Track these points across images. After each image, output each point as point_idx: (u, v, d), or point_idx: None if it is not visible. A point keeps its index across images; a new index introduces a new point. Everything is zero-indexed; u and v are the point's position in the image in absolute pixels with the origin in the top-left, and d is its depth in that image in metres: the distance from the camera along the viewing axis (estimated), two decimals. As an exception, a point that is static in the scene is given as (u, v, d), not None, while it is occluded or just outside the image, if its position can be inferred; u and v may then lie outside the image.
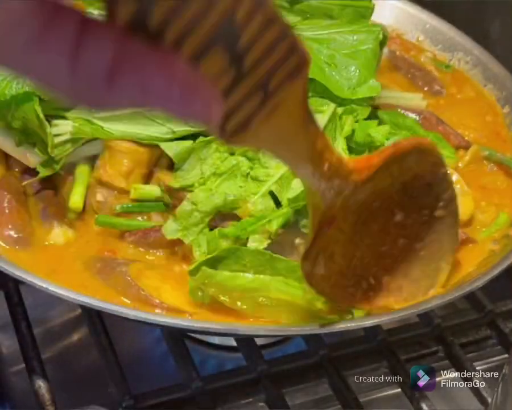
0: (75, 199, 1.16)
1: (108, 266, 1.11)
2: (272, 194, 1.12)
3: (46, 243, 1.14)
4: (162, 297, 1.07)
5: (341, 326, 1.02)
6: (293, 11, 1.36)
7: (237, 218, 1.11)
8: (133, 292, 1.07)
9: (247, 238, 1.09)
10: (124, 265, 1.11)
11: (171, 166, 1.16)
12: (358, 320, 1.04)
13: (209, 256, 1.04)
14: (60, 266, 1.11)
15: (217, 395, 1.17)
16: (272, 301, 1.03)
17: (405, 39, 1.65)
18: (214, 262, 1.04)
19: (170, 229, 1.10)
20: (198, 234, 1.10)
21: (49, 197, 1.18)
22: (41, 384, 1.12)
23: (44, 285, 1.00)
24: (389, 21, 1.65)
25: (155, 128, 1.13)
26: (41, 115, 1.10)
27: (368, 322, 1.05)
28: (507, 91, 1.50)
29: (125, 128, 1.14)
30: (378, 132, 1.15)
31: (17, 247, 1.13)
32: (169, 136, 1.13)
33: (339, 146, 1.15)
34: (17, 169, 1.22)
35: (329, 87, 1.22)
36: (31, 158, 1.16)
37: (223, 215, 1.11)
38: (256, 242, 1.08)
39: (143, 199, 1.16)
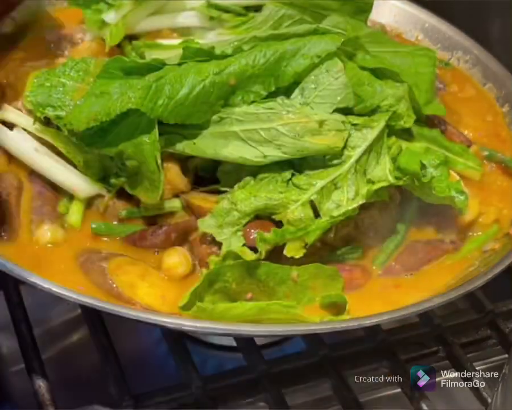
0: (75, 218, 1.17)
1: (89, 260, 1.11)
2: (312, 203, 1.12)
3: (34, 238, 1.14)
4: (137, 295, 1.07)
5: (341, 326, 1.02)
6: (292, 6, 1.37)
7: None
8: (107, 287, 1.07)
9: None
10: (105, 260, 1.11)
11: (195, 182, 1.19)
12: (358, 320, 1.05)
13: (194, 287, 1.03)
14: (44, 261, 1.11)
15: (217, 395, 1.17)
16: (267, 320, 1.04)
17: (404, 38, 1.66)
18: (202, 290, 1.04)
19: (207, 223, 1.11)
20: (231, 235, 1.10)
21: (48, 198, 1.19)
22: (41, 384, 1.12)
23: (47, 285, 1.00)
24: (388, 20, 1.66)
25: (247, 151, 1.13)
26: (159, 162, 1.11)
27: (368, 322, 1.05)
28: (507, 90, 1.50)
29: (216, 148, 1.13)
30: (428, 160, 1.16)
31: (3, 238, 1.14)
32: (259, 159, 1.12)
33: (386, 166, 1.15)
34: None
35: None
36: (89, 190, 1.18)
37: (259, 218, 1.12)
38: (293, 252, 1.08)
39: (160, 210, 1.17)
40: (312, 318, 1.03)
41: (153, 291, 1.08)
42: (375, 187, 1.13)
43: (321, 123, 1.11)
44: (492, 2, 1.74)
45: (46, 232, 1.14)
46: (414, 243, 1.21)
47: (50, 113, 1.16)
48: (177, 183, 1.15)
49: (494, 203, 1.29)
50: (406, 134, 1.24)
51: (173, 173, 1.15)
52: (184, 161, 1.17)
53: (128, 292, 1.07)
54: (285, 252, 1.08)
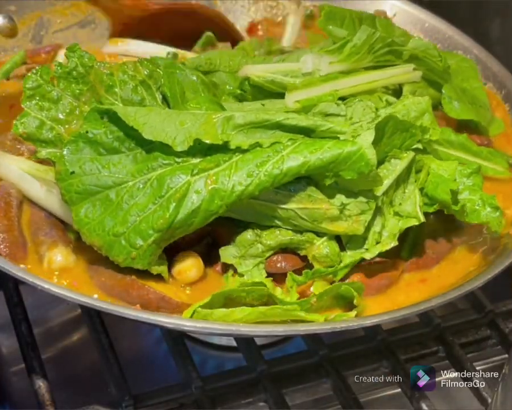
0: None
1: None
2: (337, 237, 1.11)
3: (45, 261, 1.08)
4: (150, 284, 1.06)
5: (341, 326, 1.02)
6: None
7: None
8: (119, 277, 1.06)
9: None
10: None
11: None
12: (358, 320, 1.05)
13: (204, 301, 1.02)
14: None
15: (217, 395, 1.17)
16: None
17: (404, 38, 1.65)
18: (212, 305, 1.03)
19: (228, 253, 1.10)
20: (253, 266, 1.09)
21: (56, 222, 1.13)
22: (41, 384, 1.12)
23: (46, 285, 1.00)
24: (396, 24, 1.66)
25: (261, 219, 1.09)
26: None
27: (368, 322, 1.05)
28: (507, 89, 1.50)
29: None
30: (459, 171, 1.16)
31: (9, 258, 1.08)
32: (272, 225, 1.10)
33: (416, 201, 1.12)
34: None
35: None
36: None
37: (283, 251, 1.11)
38: (320, 289, 1.07)
39: None
40: (316, 318, 1.03)
41: (166, 287, 1.08)
42: (405, 225, 1.11)
43: (341, 209, 1.08)
44: (492, 2, 1.74)
45: (59, 255, 1.08)
46: (433, 232, 1.20)
47: (42, 153, 1.10)
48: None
49: (499, 202, 1.27)
50: (433, 145, 1.23)
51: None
52: None
53: (142, 281, 1.06)
54: (312, 289, 1.08)
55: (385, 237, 1.11)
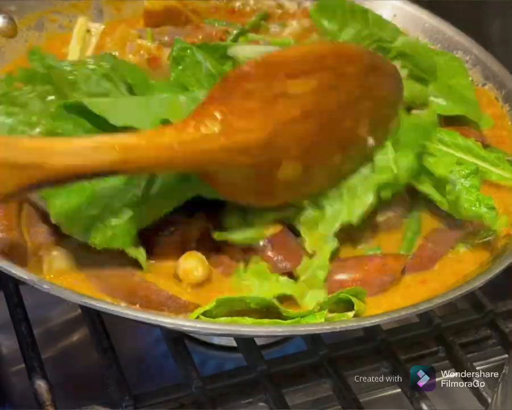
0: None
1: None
2: None
3: (45, 262, 1.08)
4: (158, 284, 1.06)
5: (341, 326, 1.02)
6: None
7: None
8: (126, 274, 1.06)
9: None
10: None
11: None
12: (358, 320, 1.05)
13: (207, 308, 1.02)
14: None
15: (217, 395, 1.17)
16: None
17: (404, 38, 1.65)
18: (217, 308, 1.03)
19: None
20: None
21: (57, 226, 1.10)
22: (41, 384, 1.12)
23: (46, 286, 1.00)
24: (388, 20, 1.65)
25: None
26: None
27: (368, 322, 1.05)
28: (507, 89, 1.50)
29: None
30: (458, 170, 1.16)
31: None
32: None
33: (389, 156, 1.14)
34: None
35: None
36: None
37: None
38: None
39: None
40: (316, 318, 1.03)
41: (172, 288, 1.07)
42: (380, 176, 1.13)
43: None
44: (492, 2, 1.74)
45: (57, 258, 1.07)
46: (432, 231, 1.20)
47: None
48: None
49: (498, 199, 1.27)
50: (439, 145, 1.23)
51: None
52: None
53: (149, 278, 1.06)
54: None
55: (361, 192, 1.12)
